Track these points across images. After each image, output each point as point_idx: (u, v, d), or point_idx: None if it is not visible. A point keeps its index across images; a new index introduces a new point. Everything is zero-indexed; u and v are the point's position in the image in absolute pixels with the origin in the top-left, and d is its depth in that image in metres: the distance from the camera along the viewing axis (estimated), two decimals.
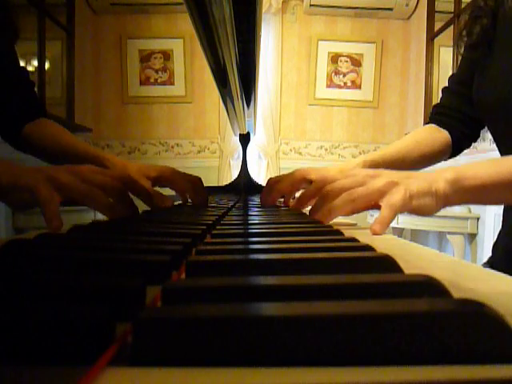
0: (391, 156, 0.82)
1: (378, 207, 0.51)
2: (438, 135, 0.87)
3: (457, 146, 0.87)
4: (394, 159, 0.81)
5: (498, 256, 0.80)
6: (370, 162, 0.79)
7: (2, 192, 0.46)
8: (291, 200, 0.77)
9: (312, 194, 0.62)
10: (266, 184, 0.76)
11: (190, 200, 0.80)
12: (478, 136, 0.89)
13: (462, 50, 0.84)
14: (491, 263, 0.81)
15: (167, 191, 0.77)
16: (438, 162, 0.88)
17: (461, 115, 0.86)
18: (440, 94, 0.93)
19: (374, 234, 0.48)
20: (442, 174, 0.51)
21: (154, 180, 0.77)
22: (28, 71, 0.84)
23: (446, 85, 0.92)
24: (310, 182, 0.75)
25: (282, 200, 0.80)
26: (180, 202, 0.83)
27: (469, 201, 0.53)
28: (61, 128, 0.83)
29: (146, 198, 0.60)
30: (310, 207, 0.60)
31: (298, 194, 0.74)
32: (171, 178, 0.78)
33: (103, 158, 0.77)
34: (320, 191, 0.56)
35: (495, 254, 0.82)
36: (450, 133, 0.86)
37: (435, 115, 0.90)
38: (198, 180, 0.78)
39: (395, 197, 0.49)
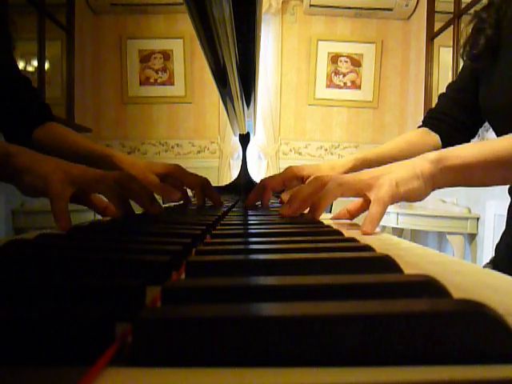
0: (383, 155, 0.82)
1: (366, 199, 0.52)
2: (428, 138, 0.88)
3: None
4: (386, 158, 0.81)
5: (501, 256, 0.80)
6: (361, 159, 0.79)
7: (16, 175, 0.47)
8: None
9: (310, 193, 0.57)
10: (258, 184, 0.76)
11: (195, 199, 0.81)
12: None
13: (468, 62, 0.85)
14: (494, 263, 0.81)
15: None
16: None
17: (453, 121, 0.88)
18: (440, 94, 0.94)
19: (365, 234, 0.46)
20: (424, 156, 0.52)
21: (162, 176, 0.77)
22: (29, 78, 0.84)
23: (444, 91, 0.93)
24: (302, 179, 0.76)
25: (279, 200, 0.80)
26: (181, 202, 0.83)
27: (455, 181, 0.53)
28: (68, 130, 0.84)
29: (146, 200, 0.56)
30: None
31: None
32: (180, 173, 0.79)
33: (111, 155, 0.78)
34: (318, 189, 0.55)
35: (498, 254, 0.82)
36: (440, 137, 0.87)
37: (428, 119, 0.92)
38: (206, 180, 0.79)
39: (382, 190, 0.49)
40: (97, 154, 0.77)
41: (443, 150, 0.53)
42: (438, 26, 3.01)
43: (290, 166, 0.77)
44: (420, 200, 0.51)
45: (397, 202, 0.50)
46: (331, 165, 0.79)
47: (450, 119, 0.88)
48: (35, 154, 0.49)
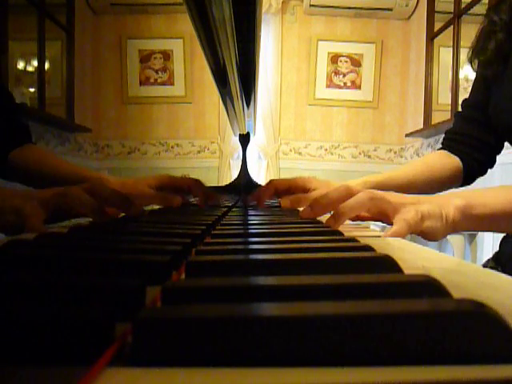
0: (397, 179, 0.78)
1: (387, 221, 0.50)
2: (448, 161, 0.84)
3: (469, 173, 0.84)
4: (400, 183, 0.77)
5: (506, 250, 0.78)
6: (373, 183, 0.75)
7: None
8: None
9: (336, 200, 0.53)
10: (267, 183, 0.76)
11: (195, 200, 0.81)
12: (494, 162, 0.86)
13: (476, 67, 0.81)
14: (497, 259, 0.79)
15: None
16: (448, 188, 0.84)
17: (471, 140, 0.83)
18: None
19: None
20: (451, 199, 0.50)
21: (155, 189, 0.76)
22: (12, 95, 0.82)
23: (460, 110, 0.88)
24: (308, 190, 0.75)
25: (279, 200, 0.80)
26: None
27: (477, 228, 0.52)
28: (49, 153, 0.82)
29: (122, 203, 0.54)
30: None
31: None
32: (171, 180, 0.78)
33: (99, 178, 0.76)
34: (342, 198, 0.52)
35: (503, 249, 0.80)
36: (461, 159, 0.83)
37: (446, 141, 0.88)
38: (198, 180, 0.78)
39: (408, 214, 0.47)
40: (82, 177, 0.75)
41: (469, 193, 0.51)
42: (438, 25, 3.01)
43: (301, 176, 0.76)
44: (435, 240, 0.50)
45: (414, 233, 0.49)
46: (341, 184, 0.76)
47: (468, 138, 0.83)
48: (4, 191, 0.47)
